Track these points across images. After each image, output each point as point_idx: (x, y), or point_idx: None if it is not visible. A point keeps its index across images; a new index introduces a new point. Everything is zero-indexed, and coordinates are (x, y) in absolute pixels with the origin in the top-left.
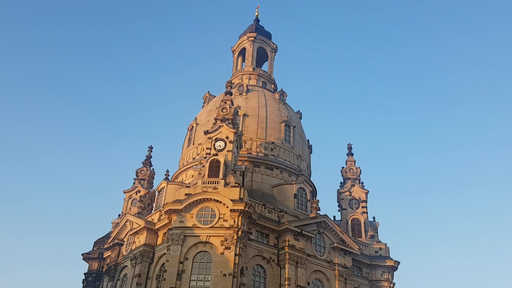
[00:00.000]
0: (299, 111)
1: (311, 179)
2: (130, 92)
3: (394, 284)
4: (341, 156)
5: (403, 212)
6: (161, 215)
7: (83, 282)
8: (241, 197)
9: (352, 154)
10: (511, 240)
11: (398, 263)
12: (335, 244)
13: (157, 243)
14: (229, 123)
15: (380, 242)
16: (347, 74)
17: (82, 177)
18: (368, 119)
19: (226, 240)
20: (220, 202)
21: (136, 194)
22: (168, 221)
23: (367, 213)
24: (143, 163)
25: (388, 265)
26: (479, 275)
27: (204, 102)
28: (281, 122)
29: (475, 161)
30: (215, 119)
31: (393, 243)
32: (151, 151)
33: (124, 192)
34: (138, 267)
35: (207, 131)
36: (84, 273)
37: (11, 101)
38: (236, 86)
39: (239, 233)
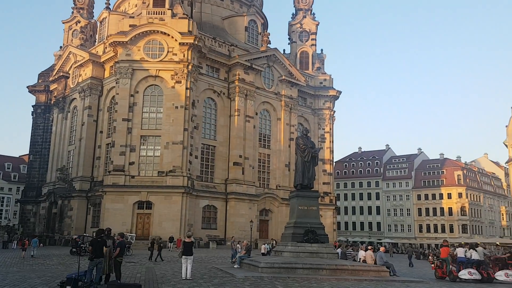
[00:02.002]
0: None
1: (262, 10)
2: None
3: (334, 111)
4: None
5: (350, 43)
6: (106, 48)
7: (32, 114)
8: (190, 29)
9: None
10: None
11: (340, 92)
12: (283, 77)
13: (105, 76)
14: None
15: (325, 73)
16: None
17: (16, 5)
18: None
19: (176, 74)
20: (168, 35)
21: (76, 24)
22: (114, 54)
23: (315, 45)
24: None
25: (331, 95)
26: (409, 105)
27: None
28: None
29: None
30: None
31: (337, 74)
32: None
33: (63, 23)
34: (88, 99)
35: None
36: (32, 106)
37: None
38: None
39: (189, 67)
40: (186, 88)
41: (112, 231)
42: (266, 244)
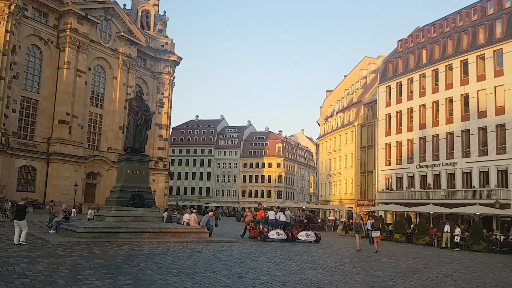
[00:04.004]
0: None
1: None
2: None
3: (174, 77)
4: None
5: (193, 9)
6: None
7: None
8: None
9: None
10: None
11: (181, 58)
12: (122, 33)
13: None
14: None
15: (167, 37)
16: None
17: None
18: None
19: None
20: None
21: None
22: None
23: (158, 5)
24: None
25: (171, 60)
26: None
27: None
28: None
29: None
30: None
31: (179, 40)
32: None
33: None
34: None
35: None
36: None
37: None
38: None
39: (12, 7)
40: (6, 31)
41: None
42: (92, 209)
